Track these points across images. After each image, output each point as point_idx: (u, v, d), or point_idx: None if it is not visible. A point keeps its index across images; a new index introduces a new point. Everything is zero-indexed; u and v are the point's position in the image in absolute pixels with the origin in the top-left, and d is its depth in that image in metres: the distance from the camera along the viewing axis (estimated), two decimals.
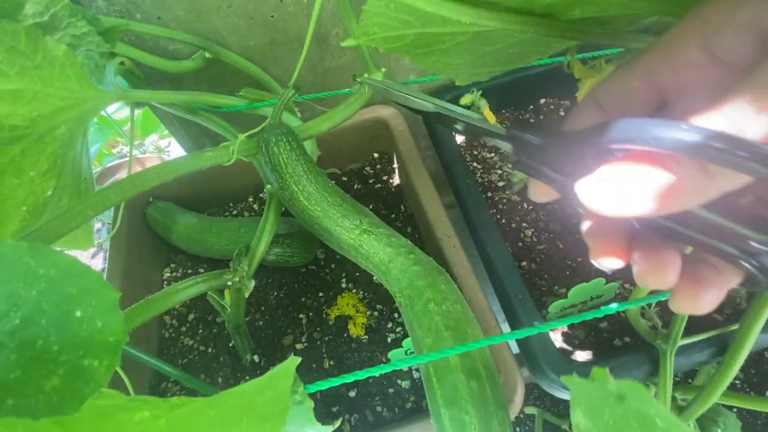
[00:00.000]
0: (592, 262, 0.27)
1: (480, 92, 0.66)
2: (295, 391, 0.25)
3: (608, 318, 0.61)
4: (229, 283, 0.49)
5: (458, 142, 0.72)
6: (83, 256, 1.39)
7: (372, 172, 0.82)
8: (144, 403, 0.21)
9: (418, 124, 0.78)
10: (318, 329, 0.66)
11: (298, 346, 0.65)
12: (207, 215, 0.77)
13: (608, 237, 0.26)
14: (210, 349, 0.66)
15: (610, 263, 0.26)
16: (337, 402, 0.60)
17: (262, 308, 0.69)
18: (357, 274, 0.71)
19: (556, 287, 0.63)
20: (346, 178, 0.82)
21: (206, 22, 0.57)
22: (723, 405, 0.61)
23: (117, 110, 1.25)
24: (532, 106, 0.82)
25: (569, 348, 0.59)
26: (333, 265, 0.72)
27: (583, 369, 0.50)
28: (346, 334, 0.65)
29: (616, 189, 0.20)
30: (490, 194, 0.72)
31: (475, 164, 0.76)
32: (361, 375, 0.31)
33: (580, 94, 0.48)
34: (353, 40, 0.35)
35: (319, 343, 0.65)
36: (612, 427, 0.20)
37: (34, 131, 0.36)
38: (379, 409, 0.59)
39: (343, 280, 0.70)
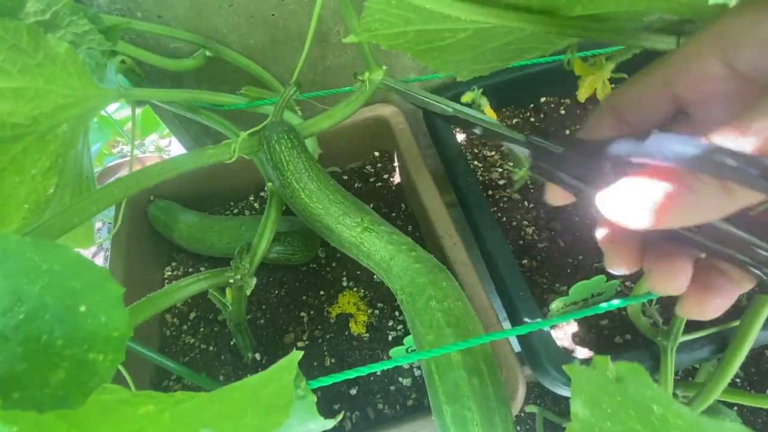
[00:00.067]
0: (607, 267, 0.27)
1: (481, 90, 0.66)
2: (298, 386, 0.25)
3: (609, 315, 0.61)
4: (231, 281, 0.49)
5: (459, 141, 0.73)
6: (84, 255, 1.39)
7: (373, 170, 0.82)
8: (148, 398, 0.21)
9: (418, 123, 0.78)
10: (319, 327, 0.66)
11: (300, 344, 0.65)
12: (208, 214, 0.78)
13: (623, 244, 0.27)
14: (211, 348, 0.67)
15: (624, 269, 0.27)
16: (339, 400, 0.60)
17: (264, 306, 0.69)
18: (358, 272, 0.71)
19: (557, 285, 0.63)
20: (346, 177, 0.82)
21: (207, 20, 0.57)
22: (724, 403, 0.61)
23: (117, 110, 1.25)
24: (532, 105, 0.82)
25: (570, 345, 0.59)
26: (334, 264, 0.72)
27: (586, 364, 0.50)
28: (347, 332, 0.65)
29: (638, 203, 0.21)
30: (490, 192, 0.72)
31: (475, 162, 0.76)
32: (364, 371, 0.31)
33: (580, 92, 0.48)
34: (355, 37, 0.35)
35: (320, 341, 0.65)
36: (610, 415, 0.20)
37: (35, 129, 0.36)
38: (380, 406, 0.59)
39: (344, 278, 0.70)
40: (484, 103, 0.66)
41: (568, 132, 0.78)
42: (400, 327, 0.65)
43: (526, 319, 0.53)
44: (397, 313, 0.66)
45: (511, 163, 0.75)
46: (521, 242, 0.67)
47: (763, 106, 0.18)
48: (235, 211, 0.82)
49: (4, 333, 0.17)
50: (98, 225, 1.35)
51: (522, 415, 0.86)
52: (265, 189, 0.74)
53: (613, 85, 0.50)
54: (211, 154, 0.41)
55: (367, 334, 0.65)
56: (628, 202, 0.21)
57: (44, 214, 0.40)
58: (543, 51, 0.39)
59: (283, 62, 0.66)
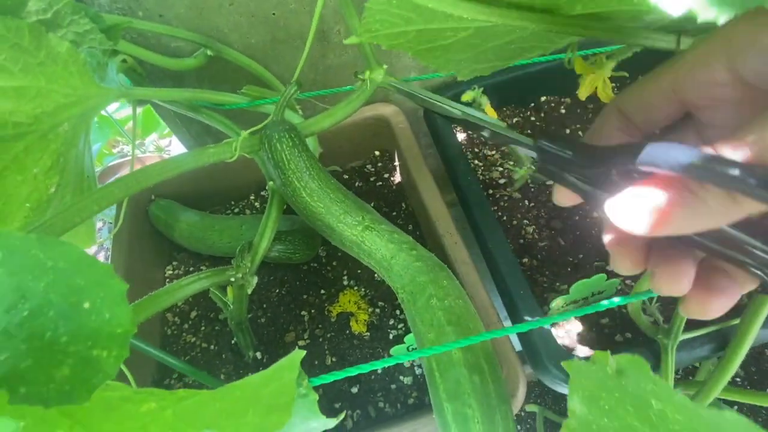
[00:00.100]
0: (613, 269, 0.28)
1: (481, 89, 0.66)
2: (300, 384, 0.25)
3: (609, 314, 0.61)
4: (232, 280, 0.49)
5: (459, 140, 0.73)
6: None
7: (373, 169, 0.82)
8: (150, 395, 0.21)
9: (419, 122, 0.78)
10: (320, 326, 0.66)
11: (300, 343, 0.65)
12: (209, 213, 0.78)
13: (629, 248, 0.27)
14: (212, 347, 0.67)
15: (629, 271, 0.27)
16: (340, 398, 0.60)
17: (264, 306, 0.69)
18: (358, 271, 0.71)
19: (558, 283, 0.63)
20: (347, 176, 0.82)
21: (208, 19, 0.58)
22: (724, 401, 0.61)
23: (117, 110, 1.25)
24: (533, 104, 0.82)
25: (571, 344, 0.59)
26: (334, 263, 0.72)
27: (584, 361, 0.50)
28: (347, 331, 0.65)
29: (646, 211, 0.21)
30: (491, 191, 0.73)
31: (476, 162, 0.76)
32: (365, 368, 0.31)
33: (581, 91, 0.48)
34: (356, 38, 0.35)
35: (321, 340, 0.65)
36: (607, 411, 0.20)
37: (37, 128, 0.36)
38: (381, 404, 0.59)
39: (345, 277, 0.71)
40: (485, 102, 0.66)
41: (568, 131, 0.78)
42: (400, 326, 0.65)
43: (527, 318, 0.53)
44: (397, 312, 0.66)
45: (512, 162, 0.75)
46: (522, 241, 0.67)
47: (762, 119, 0.19)
48: (236, 210, 0.82)
49: (8, 330, 0.17)
50: (99, 225, 1.35)
51: (522, 414, 0.86)
52: (266, 188, 0.74)
53: (613, 84, 0.50)
54: (212, 152, 0.41)
55: (368, 333, 0.65)
56: (636, 211, 0.22)
57: (46, 213, 0.40)
58: (544, 50, 0.39)
59: (284, 61, 0.66)
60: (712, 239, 0.23)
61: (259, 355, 0.65)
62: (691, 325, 0.51)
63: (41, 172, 0.39)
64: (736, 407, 0.73)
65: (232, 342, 0.66)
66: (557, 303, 0.54)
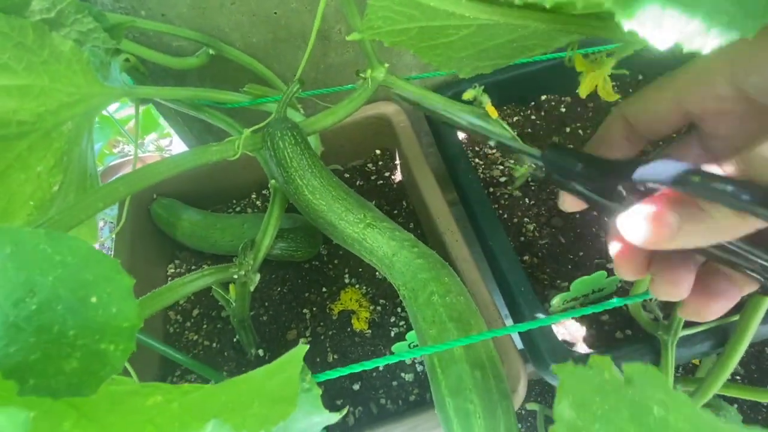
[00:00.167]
0: (617, 275, 0.29)
1: (482, 88, 0.66)
2: (303, 379, 0.25)
3: (610, 310, 0.61)
4: (235, 277, 0.49)
5: (460, 139, 0.73)
6: None
7: (374, 168, 0.83)
8: (156, 389, 0.21)
9: (420, 121, 0.79)
10: (322, 324, 0.67)
11: (302, 340, 0.65)
12: (211, 212, 0.78)
13: (633, 255, 0.28)
14: (215, 344, 0.67)
15: (633, 278, 0.28)
16: (342, 395, 0.60)
17: (266, 303, 0.70)
18: (360, 269, 0.71)
19: (558, 281, 0.63)
20: (348, 175, 0.82)
21: (210, 19, 0.58)
22: (724, 399, 0.61)
23: (117, 110, 1.25)
24: (533, 103, 0.83)
25: (571, 340, 0.60)
26: (336, 261, 0.73)
27: (585, 361, 0.50)
28: (349, 329, 0.65)
29: (658, 227, 0.22)
30: (492, 190, 0.73)
31: (477, 160, 0.77)
32: (368, 365, 0.31)
33: (581, 89, 0.48)
34: (358, 35, 0.35)
35: (322, 337, 0.65)
36: (600, 417, 0.20)
37: (40, 127, 0.36)
38: (383, 401, 0.59)
39: (347, 275, 0.71)
40: (486, 100, 0.66)
41: (568, 129, 0.78)
42: (402, 323, 0.65)
43: (528, 315, 0.53)
44: (399, 310, 0.66)
45: (512, 161, 0.75)
46: (522, 239, 0.68)
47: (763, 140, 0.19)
48: (238, 208, 0.82)
49: (17, 323, 0.17)
50: (100, 224, 1.35)
51: (523, 412, 0.86)
52: (268, 187, 0.74)
53: (614, 83, 0.50)
54: (214, 151, 0.41)
55: (370, 331, 0.65)
56: (648, 227, 0.22)
57: (49, 212, 0.40)
58: (545, 48, 0.39)
59: (286, 60, 0.66)
60: (714, 246, 0.24)
61: (261, 352, 0.65)
62: (691, 321, 0.51)
63: (45, 171, 0.39)
64: (736, 405, 0.74)
65: (235, 340, 0.66)
66: (557, 300, 0.54)
